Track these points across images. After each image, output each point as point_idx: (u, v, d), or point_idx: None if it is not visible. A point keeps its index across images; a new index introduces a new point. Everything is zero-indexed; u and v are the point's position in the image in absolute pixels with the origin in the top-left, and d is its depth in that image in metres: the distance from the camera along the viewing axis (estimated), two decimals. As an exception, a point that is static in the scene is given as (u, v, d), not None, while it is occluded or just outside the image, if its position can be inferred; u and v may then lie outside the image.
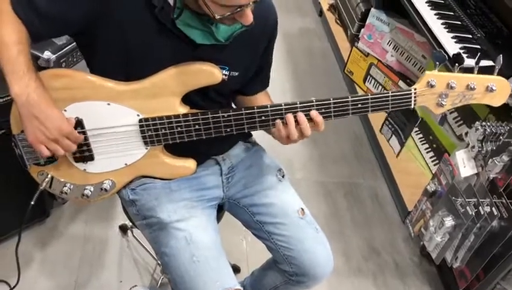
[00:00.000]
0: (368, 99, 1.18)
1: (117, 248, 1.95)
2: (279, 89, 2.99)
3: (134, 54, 1.11)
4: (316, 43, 3.65)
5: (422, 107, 1.21)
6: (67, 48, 1.66)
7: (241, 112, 1.18)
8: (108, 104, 1.16)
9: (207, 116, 1.18)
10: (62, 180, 1.24)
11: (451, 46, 1.81)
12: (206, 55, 1.15)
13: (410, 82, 2.59)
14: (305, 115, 1.15)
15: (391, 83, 2.69)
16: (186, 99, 1.19)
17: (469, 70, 1.19)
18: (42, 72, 1.13)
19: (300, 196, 1.40)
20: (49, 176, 1.24)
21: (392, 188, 2.43)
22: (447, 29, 1.91)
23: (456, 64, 1.18)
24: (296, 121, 1.15)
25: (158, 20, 1.08)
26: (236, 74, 1.23)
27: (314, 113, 1.15)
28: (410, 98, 1.18)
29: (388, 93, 1.18)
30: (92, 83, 1.15)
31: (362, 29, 2.86)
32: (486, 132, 1.65)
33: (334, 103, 1.17)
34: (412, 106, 1.19)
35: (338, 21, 3.60)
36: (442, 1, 2.13)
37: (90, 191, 1.26)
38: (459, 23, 1.99)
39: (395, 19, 2.61)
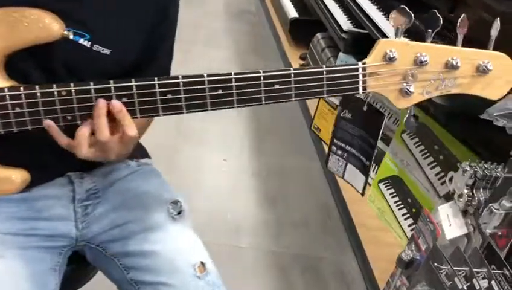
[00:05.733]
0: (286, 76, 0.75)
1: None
2: (236, 146, 2.59)
3: None
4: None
5: (377, 96, 0.77)
6: None
7: (88, 87, 0.74)
8: None
9: (33, 91, 0.73)
10: None
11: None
12: (57, 6, 0.75)
13: (383, 135, 2.19)
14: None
15: (363, 138, 2.29)
16: (17, 74, 0.77)
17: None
18: None
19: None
20: None
21: (361, 264, 1.93)
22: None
23: (429, 30, 0.77)
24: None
25: None
26: (107, 51, 0.82)
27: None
28: (357, 77, 0.75)
29: (323, 68, 0.75)
30: None
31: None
32: (478, 175, 1.21)
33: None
34: (360, 92, 0.76)
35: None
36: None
37: None
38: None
39: (366, 65, 2.27)
